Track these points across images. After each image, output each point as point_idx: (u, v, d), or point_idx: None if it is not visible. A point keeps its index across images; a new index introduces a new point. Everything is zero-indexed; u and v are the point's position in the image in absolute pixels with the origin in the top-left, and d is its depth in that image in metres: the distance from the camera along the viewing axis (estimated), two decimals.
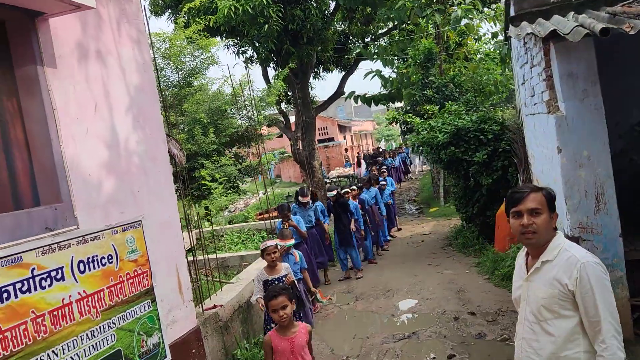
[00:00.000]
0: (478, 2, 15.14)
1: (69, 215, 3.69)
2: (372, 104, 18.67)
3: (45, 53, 3.67)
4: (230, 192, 13.39)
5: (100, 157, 4.06)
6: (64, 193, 3.66)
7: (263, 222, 11.31)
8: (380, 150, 33.29)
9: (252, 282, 6.58)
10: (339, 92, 20.26)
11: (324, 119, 35.92)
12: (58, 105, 3.69)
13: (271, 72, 19.02)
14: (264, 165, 14.57)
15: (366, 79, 33.87)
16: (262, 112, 14.13)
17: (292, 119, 21.24)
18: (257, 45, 16.85)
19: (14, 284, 3.11)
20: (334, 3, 17.35)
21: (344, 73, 20.71)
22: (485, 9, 16.81)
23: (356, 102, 18.79)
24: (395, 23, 17.63)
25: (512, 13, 6.90)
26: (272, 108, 15.77)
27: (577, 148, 4.70)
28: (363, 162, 26.11)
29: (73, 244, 3.61)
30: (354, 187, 11.20)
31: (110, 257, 3.95)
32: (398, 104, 19.17)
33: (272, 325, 5.09)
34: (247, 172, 14.40)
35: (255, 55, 17.95)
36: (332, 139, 36.09)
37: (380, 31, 20.64)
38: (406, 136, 15.24)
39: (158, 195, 4.64)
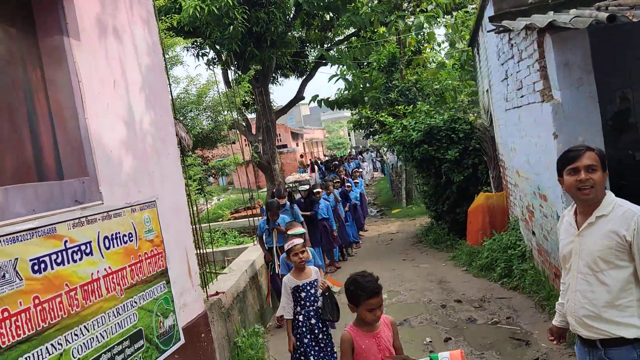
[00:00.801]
0: (439, 10, 15.64)
1: (94, 189, 3.60)
2: (336, 107, 18.91)
3: (70, 25, 3.58)
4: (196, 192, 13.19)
5: (119, 134, 3.98)
6: (90, 167, 3.57)
7: (236, 220, 11.23)
8: (335, 157, 33.73)
9: (245, 273, 6.57)
10: (298, 97, 20.42)
11: (278, 126, 35.91)
12: (83, 78, 3.61)
13: (231, 75, 18.95)
14: (229, 167, 14.43)
15: (329, 82, 34.30)
16: (227, 113, 14.07)
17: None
18: (218, 47, 16.77)
19: (50, 255, 3.04)
20: (295, 8, 17.51)
21: (302, 79, 20.88)
22: (441, 19, 17.36)
23: (320, 106, 18.99)
24: (355, 29, 17.97)
25: (489, 13, 7.23)
26: (234, 111, 15.69)
27: (572, 133, 4.96)
28: (316, 168, 26.36)
29: (99, 219, 3.55)
30: (337, 181, 11.33)
31: (130, 235, 3.89)
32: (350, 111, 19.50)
33: (300, 332, 4.83)
34: (211, 174, 14.26)
35: (217, 58, 17.86)
36: (285, 146, 36.20)
37: (337, 38, 20.98)
38: (374, 137, 15.49)
39: (169, 177, 4.58)
